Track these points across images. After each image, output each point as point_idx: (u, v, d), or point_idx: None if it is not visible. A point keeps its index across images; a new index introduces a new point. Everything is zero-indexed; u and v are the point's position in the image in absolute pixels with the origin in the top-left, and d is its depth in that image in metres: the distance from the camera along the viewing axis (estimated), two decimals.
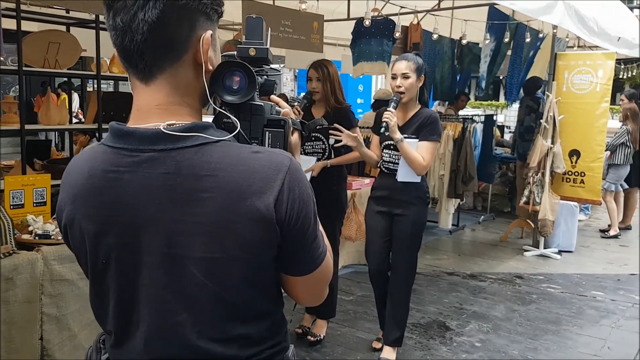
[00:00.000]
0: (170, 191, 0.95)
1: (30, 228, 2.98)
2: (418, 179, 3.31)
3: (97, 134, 4.60)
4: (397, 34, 5.41)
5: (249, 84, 1.02)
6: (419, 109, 3.36)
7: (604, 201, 7.05)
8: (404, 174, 3.30)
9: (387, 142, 3.35)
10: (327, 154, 3.65)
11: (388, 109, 3.21)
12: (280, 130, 1.09)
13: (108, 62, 4.68)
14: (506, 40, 6.25)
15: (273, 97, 1.20)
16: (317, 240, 1.06)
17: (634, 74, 10.21)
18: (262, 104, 1.08)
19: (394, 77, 3.29)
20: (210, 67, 1.02)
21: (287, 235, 0.99)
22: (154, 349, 1.02)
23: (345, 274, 5.11)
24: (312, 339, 3.70)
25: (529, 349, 3.72)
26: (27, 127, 4.13)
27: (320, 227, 1.11)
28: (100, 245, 1.01)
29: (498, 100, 17.23)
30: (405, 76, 3.24)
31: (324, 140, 3.62)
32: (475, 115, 7.33)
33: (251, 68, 1.03)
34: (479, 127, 7.22)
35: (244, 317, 1.03)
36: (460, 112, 7.78)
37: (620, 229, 7.00)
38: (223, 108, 1.05)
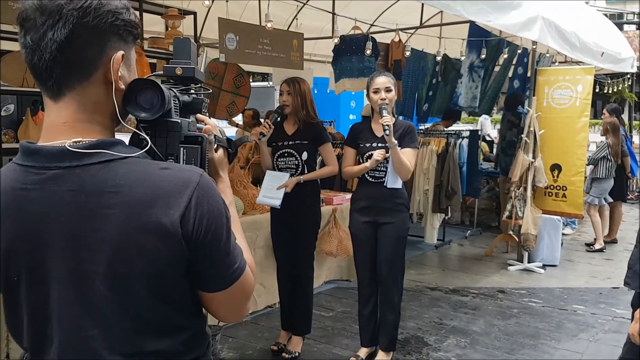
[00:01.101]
0: (75, 208, 0.97)
1: None
2: (400, 185, 3.44)
3: None
4: (368, 52, 5.46)
5: (159, 101, 1.05)
6: (394, 120, 3.43)
7: (588, 215, 7.08)
8: (392, 181, 3.43)
9: (370, 153, 3.40)
10: (300, 169, 3.67)
11: (383, 115, 3.27)
12: (196, 146, 1.11)
13: None
14: (483, 56, 6.32)
15: (199, 115, 1.22)
16: (232, 256, 1.07)
17: (619, 88, 10.30)
18: (178, 120, 1.10)
19: (376, 91, 3.38)
20: (122, 86, 1.04)
21: (196, 251, 1.00)
22: None
23: (326, 290, 5.11)
24: (287, 356, 3.69)
25: None
26: (4, 146, 4.16)
27: (240, 240, 1.13)
28: (11, 262, 1.02)
29: (491, 115, 17.30)
30: (388, 89, 3.37)
31: (297, 156, 3.65)
32: (460, 130, 7.36)
33: (162, 86, 1.06)
34: (465, 142, 7.27)
35: (156, 332, 1.04)
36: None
37: (605, 242, 7.02)
38: (139, 125, 1.07)
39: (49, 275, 1.00)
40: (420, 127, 7.74)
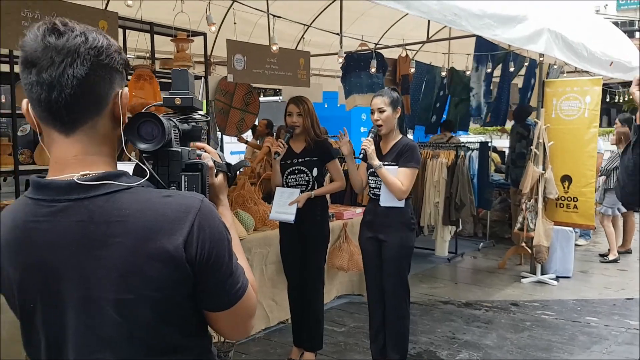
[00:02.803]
0: (84, 237, 1.02)
1: None
2: (401, 204, 3.45)
3: None
4: (373, 70, 5.52)
5: (160, 133, 1.10)
6: (399, 138, 3.51)
7: (601, 225, 7.04)
8: (385, 199, 3.48)
9: (371, 170, 3.49)
10: (310, 185, 3.73)
11: (367, 137, 3.37)
12: (197, 173, 1.17)
13: None
14: (488, 70, 6.35)
15: (197, 143, 1.28)
16: (234, 276, 1.12)
17: (631, 97, 10.24)
18: (179, 149, 1.16)
19: (372, 112, 3.45)
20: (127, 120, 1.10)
21: (201, 273, 1.06)
22: None
23: (338, 305, 5.13)
24: None
25: None
26: (20, 167, 4.26)
27: (241, 261, 1.17)
28: (26, 291, 1.08)
29: (503, 126, 17.30)
30: (380, 110, 3.43)
31: (308, 172, 3.72)
32: (469, 142, 7.38)
33: (161, 118, 1.11)
34: (475, 154, 7.30)
35: (163, 354, 1.09)
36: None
37: (619, 252, 6.96)
38: (142, 156, 1.13)
39: (62, 302, 1.05)
40: (430, 139, 7.78)
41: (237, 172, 1.36)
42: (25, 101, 1.09)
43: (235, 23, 4.59)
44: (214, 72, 6.98)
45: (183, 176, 1.16)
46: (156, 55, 5.02)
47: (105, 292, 1.03)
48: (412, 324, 4.60)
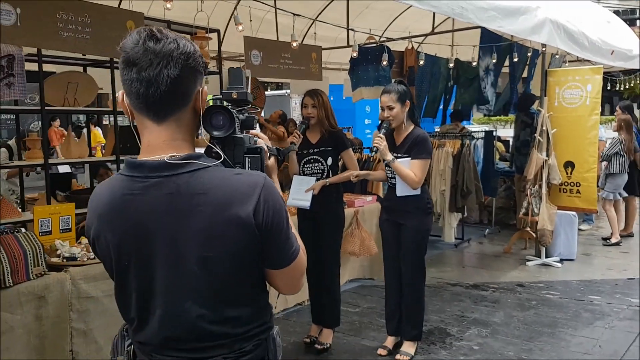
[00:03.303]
0: (172, 207, 1.25)
1: (58, 252, 3.30)
2: (417, 192, 3.69)
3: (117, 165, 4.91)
4: (384, 63, 5.73)
5: (229, 122, 1.33)
6: (411, 129, 3.73)
7: (604, 210, 7.25)
8: (401, 189, 3.72)
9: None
10: (325, 173, 3.96)
11: (378, 134, 3.60)
12: (257, 156, 1.40)
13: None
14: (494, 61, 6.55)
15: (252, 131, 1.50)
16: (290, 241, 1.35)
17: (632, 85, 10.43)
18: (242, 136, 1.39)
19: (382, 109, 3.68)
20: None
21: (265, 237, 1.28)
22: (166, 330, 1.32)
23: (351, 288, 5.37)
24: (319, 347, 3.96)
25: (524, 350, 3.95)
26: (50, 161, 4.50)
27: (294, 230, 1.40)
28: (122, 252, 1.31)
29: (507, 115, 17.49)
30: (390, 108, 3.64)
31: (323, 161, 3.94)
32: (475, 132, 7.59)
33: (230, 110, 1.34)
34: (480, 143, 7.51)
35: (236, 303, 1.33)
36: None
37: (622, 236, 7.18)
38: (212, 141, 1.36)
39: (153, 261, 1.28)
40: (436, 129, 8.00)
41: (285, 157, 1.59)
42: (120, 92, 1.31)
43: (251, 20, 4.79)
44: (224, 68, 7.20)
45: (246, 158, 1.39)
46: None
47: (190, 251, 1.25)
48: None
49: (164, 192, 1.25)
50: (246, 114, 1.50)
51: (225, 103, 1.51)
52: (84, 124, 11.64)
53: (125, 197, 1.28)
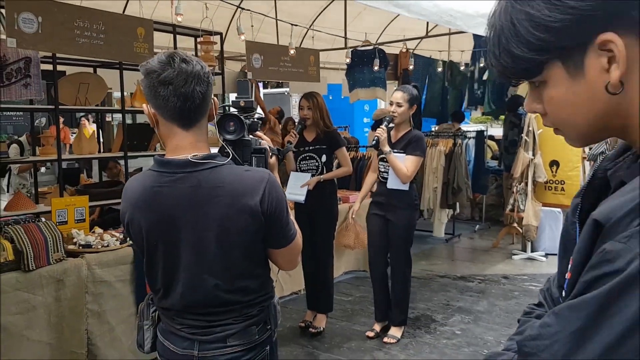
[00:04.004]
0: (195, 197, 1.54)
1: (75, 240, 3.60)
2: (406, 187, 3.98)
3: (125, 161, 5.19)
4: (376, 68, 6.03)
5: (240, 127, 1.63)
6: (409, 130, 4.04)
7: None
8: (392, 182, 4.01)
9: (381, 156, 4.02)
10: (320, 170, 4.25)
11: (381, 126, 3.91)
12: (262, 155, 1.70)
13: (131, 97, 5.34)
14: (481, 65, 6.85)
15: (257, 133, 1.80)
16: (289, 225, 1.65)
17: None
18: (250, 139, 1.69)
19: (391, 103, 4.00)
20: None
21: (269, 222, 1.58)
22: (187, 298, 1.62)
23: (346, 279, 5.68)
24: (313, 330, 4.28)
25: (503, 335, 4.26)
26: (63, 157, 4.79)
27: (292, 217, 1.70)
28: (152, 234, 1.60)
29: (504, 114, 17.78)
30: (399, 105, 3.94)
31: (317, 158, 4.23)
32: (467, 131, 7.89)
33: (241, 117, 1.64)
34: (472, 142, 7.82)
35: (244, 276, 1.63)
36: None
37: None
38: (225, 143, 1.66)
39: (178, 242, 1.58)
40: (432, 129, 8.30)
41: (284, 155, 1.89)
42: (145, 105, 1.60)
43: (252, 25, 5.09)
44: (226, 68, 7.49)
45: (253, 157, 1.69)
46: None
47: (209, 234, 1.55)
48: (412, 294, 5.14)
49: (187, 185, 1.54)
50: (252, 119, 1.80)
51: (232, 109, 1.81)
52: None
53: (155, 189, 1.58)
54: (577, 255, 0.72)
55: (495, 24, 0.79)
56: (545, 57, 0.75)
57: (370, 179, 4.32)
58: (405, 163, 3.91)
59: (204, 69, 1.53)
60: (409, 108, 3.95)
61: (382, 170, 4.09)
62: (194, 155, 1.55)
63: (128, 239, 3.79)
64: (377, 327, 4.26)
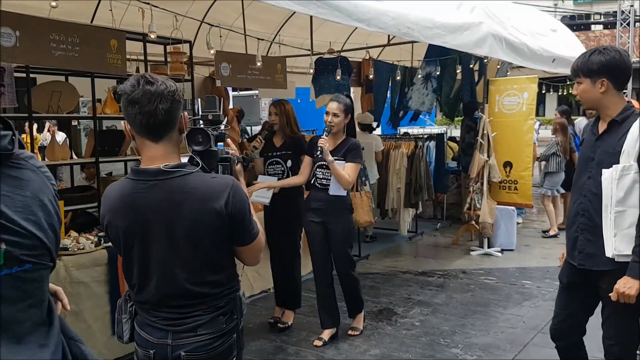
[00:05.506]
0: (168, 201, 1.78)
1: None
2: (344, 193, 4.19)
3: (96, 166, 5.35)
4: (338, 77, 6.32)
5: (207, 139, 1.88)
6: (344, 138, 4.21)
7: (543, 205, 7.99)
8: (334, 189, 4.17)
9: (320, 163, 4.16)
10: (285, 174, 4.50)
11: (322, 136, 4.04)
12: (227, 163, 1.95)
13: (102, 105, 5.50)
14: (437, 73, 7.21)
15: (227, 141, 2.05)
16: (252, 224, 1.90)
17: (569, 91, 11.24)
18: (216, 149, 1.94)
19: (327, 114, 4.15)
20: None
21: (234, 222, 1.83)
22: (161, 291, 1.85)
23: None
24: (281, 325, 4.53)
25: (458, 325, 4.58)
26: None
27: (254, 218, 1.95)
28: (128, 235, 1.83)
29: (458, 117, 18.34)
30: (335, 115, 4.11)
31: (283, 163, 4.48)
32: (427, 134, 8.25)
33: (207, 131, 1.88)
34: (432, 144, 8.19)
35: (212, 270, 1.87)
36: (417, 131, 8.75)
37: (560, 229, 7.91)
38: (194, 153, 1.90)
39: (151, 241, 1.81)
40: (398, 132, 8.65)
41: (249, 163, 2.15)
42: (123, 122, 1.83)
43: (221, 36, 5.32)
44: (195, 73, 7.68)
45: (220, 165, 1.93)
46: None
47: (180, 232, 1.79)
48: (375, 289, 5.48)
49: (160, 191, 1.78)
50: (219, 131, 2.05)
51: (201, 123, 2.06)
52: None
53: (132, 195, 1.81)
54: None
55: None
56: None
57: (296, 180, 4.33)
58: (346, 170, 4.06)
59: (168, 88, 1.74)
60: (344, 117, 4.11)
61: (321, 177, 4.17)
62: (165, 165, 1.78)
63: (102, 241, 3.99)
64: (326, 335, 4.31)
